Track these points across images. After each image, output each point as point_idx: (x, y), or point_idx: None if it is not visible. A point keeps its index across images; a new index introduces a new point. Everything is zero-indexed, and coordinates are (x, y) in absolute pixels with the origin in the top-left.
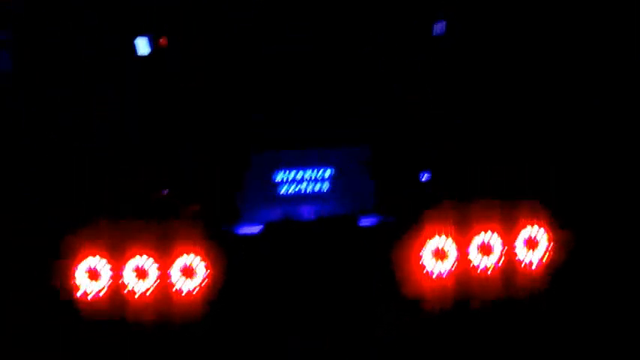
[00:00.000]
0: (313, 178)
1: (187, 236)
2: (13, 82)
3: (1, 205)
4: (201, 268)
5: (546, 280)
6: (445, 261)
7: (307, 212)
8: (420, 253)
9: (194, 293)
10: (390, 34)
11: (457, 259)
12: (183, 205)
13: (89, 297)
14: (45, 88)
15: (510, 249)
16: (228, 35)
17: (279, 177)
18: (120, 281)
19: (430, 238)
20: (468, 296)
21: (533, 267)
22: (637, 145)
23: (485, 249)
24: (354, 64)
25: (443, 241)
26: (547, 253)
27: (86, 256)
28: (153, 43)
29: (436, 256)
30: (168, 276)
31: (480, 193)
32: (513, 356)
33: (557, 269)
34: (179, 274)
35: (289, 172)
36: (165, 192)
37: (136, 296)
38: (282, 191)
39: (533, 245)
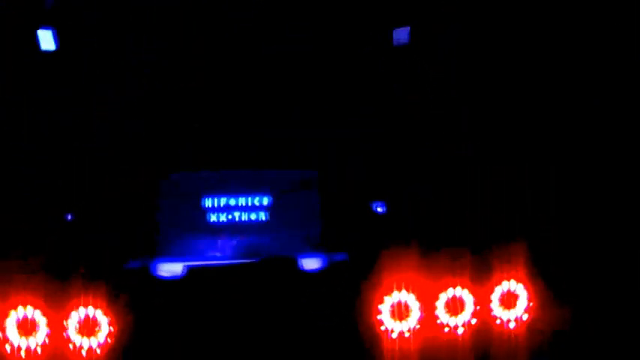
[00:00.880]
0: (248, 205)
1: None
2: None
3: None
4: (103, 323)
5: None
6: (408, 318)
7: (240, 248)
8: (379, 307)
9: (98, 352)
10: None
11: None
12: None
13: None
14: None
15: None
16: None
17: (207, 203)
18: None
19: (388, 294)
20: None
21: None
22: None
23: (455, 306)
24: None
25: (405, 296)
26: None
27: None
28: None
29: (397, 312)
30: (64, 329)
31: (448, 236)
32: None
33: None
34: (75, 329)
35: (218, 199)
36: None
37: (22, 352)
38: (211, 220)
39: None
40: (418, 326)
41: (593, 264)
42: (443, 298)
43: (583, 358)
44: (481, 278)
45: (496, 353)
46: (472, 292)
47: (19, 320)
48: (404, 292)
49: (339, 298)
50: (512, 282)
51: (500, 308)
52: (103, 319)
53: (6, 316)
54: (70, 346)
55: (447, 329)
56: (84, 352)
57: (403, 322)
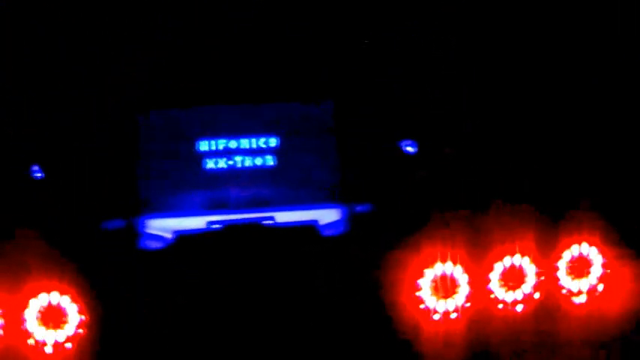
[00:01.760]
0: (252, 148)
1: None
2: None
3: None
4: (72, 312)
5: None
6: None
7: (243, 200)
8: (418, 282)
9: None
10: None
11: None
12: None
13: None
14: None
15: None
16: None
17: (203, 146)
18: None
19: (430, 266)
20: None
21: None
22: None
23: (512, 278)
24: None
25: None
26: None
27: None
28: None
29: (440, 288)
30: (21, 323)
31: (504, 193)
32: None
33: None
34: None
35: (217, 141)
36: None
37: None
38: (208, 166)
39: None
40: (467, 304)
41: None
42: (498, 268)
43: None
44: (545, 242)
45: (565, 333)
46: (534, 260)
47: None
48: (449, 263)
49: (363, 267)
50: (585, 245)
51: (569, 278)
52: (70, 307)
53: None
54: (30, 341)
55: (502, 306)
56: (48, 349)
57: (449, 299)
